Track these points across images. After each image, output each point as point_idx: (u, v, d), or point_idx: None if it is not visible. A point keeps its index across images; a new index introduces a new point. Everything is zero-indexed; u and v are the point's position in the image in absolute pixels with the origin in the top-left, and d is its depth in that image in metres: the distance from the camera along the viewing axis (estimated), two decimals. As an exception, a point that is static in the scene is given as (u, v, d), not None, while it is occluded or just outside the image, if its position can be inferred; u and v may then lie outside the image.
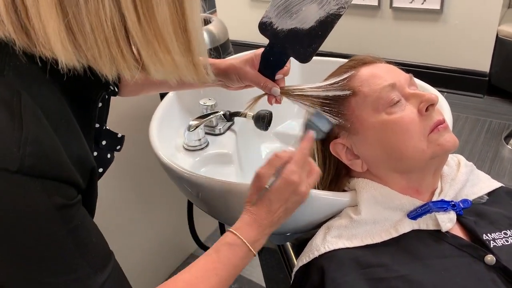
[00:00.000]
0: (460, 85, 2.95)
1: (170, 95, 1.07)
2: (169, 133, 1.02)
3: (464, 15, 2.77)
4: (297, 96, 0.74)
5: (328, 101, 0.70)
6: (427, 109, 0.66)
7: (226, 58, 0.84)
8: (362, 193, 0.70)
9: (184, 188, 0.87)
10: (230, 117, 1.06)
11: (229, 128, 1.09)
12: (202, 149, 1.01)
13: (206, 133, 1.05)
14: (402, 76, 0.71)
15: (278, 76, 0.77)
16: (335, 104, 0.70)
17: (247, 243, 0.62)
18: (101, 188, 0.59)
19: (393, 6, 2.94)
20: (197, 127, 0.98)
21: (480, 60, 2.84)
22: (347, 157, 0.72)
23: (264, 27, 0.74)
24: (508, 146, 2.42)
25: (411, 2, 2.88)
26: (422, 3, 2.85)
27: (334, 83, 0.71)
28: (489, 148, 2.44)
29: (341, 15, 0.69)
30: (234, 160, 1.03)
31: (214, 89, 1.12)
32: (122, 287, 0.54)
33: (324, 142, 0.74)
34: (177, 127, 1.06)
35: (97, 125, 0.64)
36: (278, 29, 0.73)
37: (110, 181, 1.40)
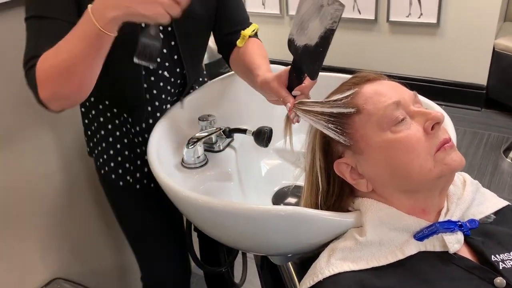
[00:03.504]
0: (458, 98, 2.95)
1: (168, 112, 1.05)
2: (167, 151, 1.00)
3: (461, 28, 2.78)
4: (304, 111, 0.74)
5: (332, 119, 0.69)
6: (432, 128, 0.65)
7: (269, 73, 0.88)
8: (367, 213, 0.68)
9: (183, 208, 0.85)
10: (229, 133, 1.05)
11: (228, 144, 1.07)
12: (201, 166, 0.99)
13: (206, 150, 1.03)
14: (406, 94, 0.69)
15: (295, 92, 0.80)
16: (340, 122, 0.68)
17: (89, 9, 0.70)
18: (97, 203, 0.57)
19: (390, 20, 2.95)
20: (195, 143, 0.96)
21: (477, 73, 2.85)
22: (351, 176, 0.70)
23: (289, 44, 0.78)
24: (508, 159, 2.41)
25: (407, 16, 2.90)
26: (419, 17, 2.86)
27: (338, 100, 0.69)
28: (488, 161, 2.43)
29: (335, 29, 0.69)
30: (234, 177, 1.01)
31: (212, 105, 1.12)
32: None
33: (328, 161, 0.73)
34: (175, 144, 1.04)
35: None
36: (297, 45, 0.76)
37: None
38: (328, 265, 0.65)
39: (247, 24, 1.07)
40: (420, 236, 0.66)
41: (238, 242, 0.88)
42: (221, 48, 1.11)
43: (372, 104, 0.67)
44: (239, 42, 1.02)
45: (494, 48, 2.72)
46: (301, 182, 0.87)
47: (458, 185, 0.74)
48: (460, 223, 0.68)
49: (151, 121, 1.02)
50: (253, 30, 1.04)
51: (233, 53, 1.06)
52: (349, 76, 0.81)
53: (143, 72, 0.95)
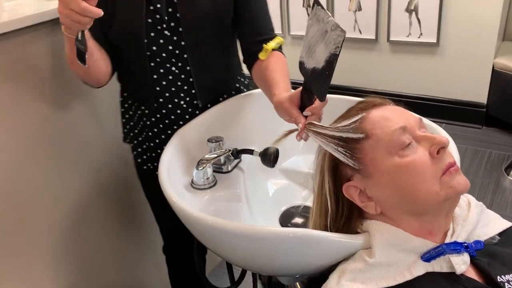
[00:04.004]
0: (459, 116, 2.99)
1: (176, 135, 1.08)
2: (177, 171, 1.02)
3: (460, 48, 2.83)
4: (315, 133, 0.76)
5: (342, 143, 0.71)
6: (438, 152, 0.67)
7: (284, 93, 0.91)
8: (376, 235, 0.69)
9: (194, 229, 0.87)
10: (237, 154, 1.07)
11: (236, 165, 1.09)
12: (210, 187, 1.01)
13: (214, 171, 1.05)
14: (412, 119, 0.72)
15: (306, 112, 0.82)
16: (349, 147, 0.71)
17: None
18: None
19: (390, 39, 3.00)
20: (205, 165, 0.98)
21: (477, 91, 2.89)
22: (360, 199, 0.72)
23: (300, 66, 0.81)
24: (509, 177, 2.43)
25: (408, 36, 2.95)
26: (419, 37, 2.91)
27: (347, 125, 0.72)
28: (490, 179, 2.45)
29: (338, 54, 0.72)
30: (242, 198, 1.03)
31: (219, 126, 1.14)
32: None
33: (337, 184, 0.75)
34: (184, 164, 1.07)
35: None
36: (307, 68, 0.79)
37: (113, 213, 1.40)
38: (338, 287, 0.67)
39: (271, 35, 1.08)
40: (428, 257, 0.68)
41: (247, 262, 0.89)
42: (245, 59, 1.14)
43: (379, 129, 0.69)
44: (261, 55, 1.03)
45: (493, 67, 2.77)
46: (308, 202, 0.89)
47: (463, 207, 0.76)
48: (466, 244, 0.70)
49: (164, 111, 1.13)
50: (277, 43, 1.05)
51: (256, 66, 1.08)
52: (355, 98, 0.84)
53: (152, 64, 1.07)
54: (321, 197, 0.77)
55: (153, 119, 1.15)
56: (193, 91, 1.13)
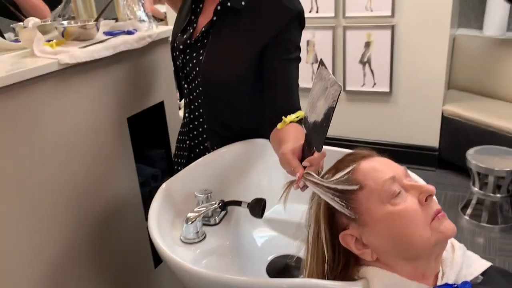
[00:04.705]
0: (413, 159, 3.14)
1: (163, 187, 1.09)
2: (166, 225, 1.03)
3: (412, 96, 3.03)
4: (312, 182, 0.80)
5: (337, 193, 0.76)
6: (426, 199, 0.73)
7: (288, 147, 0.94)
8: (374, 281, 0.73)
9: (189, 282, 0.87)
10: (224, 206, 1.09)
11: (223, 217, 1.11)
12: (200, 241, 1.02)
13: (203, 224, 1.06)
14: (399, 169, 0.78)
15: (305, 163, 0.85)
16: (344, 197, 0.75)
17: None
18: None
19: (346, 89, 3.17)
20: (195, 219, 1.00)
21: (429, 136, 3.08)
22: (357, 247, 0.76)
23: (304, 121, 0.87)
24: (466, 217, 2.56)
25: (362, 86, 3.13)
26: (373, 86, 3.09)
27: (341, 177, 0.77)
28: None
29: (335, 107, 0.78)
30: (232, 250, 1.04)
31: (205, 178, 1.16)
32: None
33: (333, 233, 0.78)
34: (171, 217, 1.07)
35: None
36: (309, 121, 0.85)
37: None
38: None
39: (293, 112, 1.08)
40: (423, 300, 0.72)
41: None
42: (264, 122, 1.16)
43: (371, 180, 0.75)
44: (279, 125, 1.05)
45: (443, 113, 2.97)
46: (291, 251, 0.92)
47: (448, 250, 0.81)
48: (456, 285, 0.75)
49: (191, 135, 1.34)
50: (297, 117, 1.06)
51: (272, 132, 1.10)
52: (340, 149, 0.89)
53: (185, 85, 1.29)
54: (318, 246, 0.80)
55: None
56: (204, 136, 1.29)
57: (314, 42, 3.12)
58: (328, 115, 0.78)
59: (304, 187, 0.84)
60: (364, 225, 0.75)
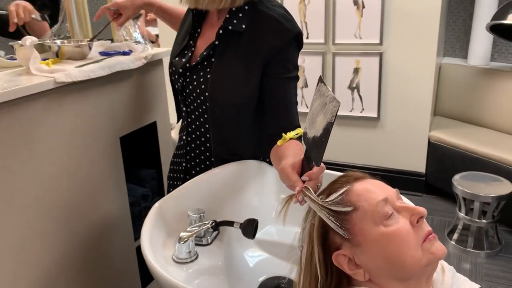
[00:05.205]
0: (400, 184, 3.17)
1: (156, 207, 1.09)
2: (158, 245, 1.03)
3: (399, 122, 3.09)
4: (310, 199, 0.81)
5: (332, 213, 0.77)
6: (418, 221, 0.75)
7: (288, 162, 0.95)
8: (367, 301, 0.74)
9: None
10: (216, 226, 1.09)
11: (215, 237, 1.12)
12: (192, 261, 1.02)
13: (195, 244, 1.07)
14: (391, 191, 0.80)
15: (304, 177, 0.87)
16: (339, 218, 0.76)
17: None
18: None
19: (336, 113, 3.21)
20: (188, 239, 1.00)
21: (416, 162, 3.12)
22: (349, 267, 0.77)
23: (304, 136, 0.89)
24: (452, 242, 2.58)
25: (351, 111, 3.18)
26: (361, 112, 3.15)
27: (335, 198, 0.78)
28: (435, 244, 2.59)
29: (333, 122, 0.80)
30: (223, 270, 1.04)
31: (197, 199, 1.17)
32: None
33: (326, 253, 0.79)
34: (163, 237, 1.07)
35: None
36: (308, 137, 0.86)
37: None
38: None
39: (292, 129, 1.11)
40: (414, 320, 0.73)
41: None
42: (265, 144, 1.18)
43: (365, 201, 0.76)
44: (279, 142, 1.08)
45: (429, 139, 3.03)
46: (281, 272, 0.92)
47: (438, 271, 0.83)
48: (446, 306, 0.76)
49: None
50: (297, 134, 1.09)
51: (272, 149, 1.13)
52: (332, 171, 0.91)
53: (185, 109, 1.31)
54: (311, 266, 0.81)
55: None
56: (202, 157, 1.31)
57: (304, 67, 3.18)
58: (327, 130, 0.80)
59: (303, 201, 0.85)
60: (357, 245, 0.76)
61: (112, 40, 1.65)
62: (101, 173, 1.42)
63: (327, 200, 0.79)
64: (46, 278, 1.26)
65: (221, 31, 1.17)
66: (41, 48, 1.46)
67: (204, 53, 1.20)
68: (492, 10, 2.91)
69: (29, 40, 1.25)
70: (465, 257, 2.49)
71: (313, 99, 0.87)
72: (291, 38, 1.16)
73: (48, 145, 1.23)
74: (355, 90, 3.11)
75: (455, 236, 2.59)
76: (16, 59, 1.35)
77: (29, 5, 1.67)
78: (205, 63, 1.21)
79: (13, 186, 1.14)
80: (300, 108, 3.23)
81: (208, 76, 1.19)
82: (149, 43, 1.62)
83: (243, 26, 1.15)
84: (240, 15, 1.16)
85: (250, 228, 1.05)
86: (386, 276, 0.76)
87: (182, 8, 1.39)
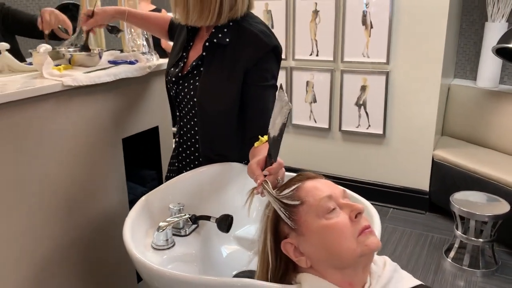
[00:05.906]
0: (405, 202, 3.23)
1: (142, 199, 1.21)
2: (140, 234, 1.14)
3: (404, 140, 3.15)
4: (267, 192, 0.92)
5: (283, 205, 0.87)
6: (356, 216, 0.84)
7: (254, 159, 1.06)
8: (305, 286, 0.84)
9: (155, 282, 0.98)
10: (195, 220, 1.21)
11: (194, 230, 1.23)
12: (169, 248, 1.14)
13: (173, 234, 1.18)
14: (337, 189, 0.90)
15: (264, 172, 0.98)
16: (288, 210, 0.87)
17: None
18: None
19: (342, 129, 3.30)
20: (165, 228, 1.11)
21: (420, 180, 3.16)
22: (295, 254, 0.87)
23: (268, 136, 1.00)
24: (448, 259, 2.62)
25: (357, 127, 3.25)
26: (367, 128, 3.22)
27: (287, 193, 0.89)
28: (432, 260, 2.63)
29: (286, 123, 0.95)
30: (197, 259, 1.15)
31: (182, 194, 1.29)
32: None
33: (277, 242, 0.90)
34: (146, 227, 1.19)
35: None
36: (270, 136, 0.98)
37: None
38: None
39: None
40: (348, 305, 0.83)
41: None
42: (246, 147, 1.30)
43: (311, 197, 0.87)
44: (256, 143, 1.20)
45: (433, 158, 3.07)
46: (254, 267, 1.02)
47: (380, 265, 0.92)
48: (379, 295, 0.85)
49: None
50: None
51: (250, 150, 1.25)
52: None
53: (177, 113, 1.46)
54: (264, 253, 0.91)
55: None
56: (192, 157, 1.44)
57: (313, 83, 3.29)
58: (282, 130, 0.93)
59: (263, 193, 0.96)
60: (301, 235, 0.86)
61: (121, 51, 1.80)
62: (102, 171, 1.56)
63: (282, 194, 0.90)
64: (45, 263, 1.39)
65: (207, 44, 1.32)
66: (57, 55, 1.63)
67: (194, 63, 1.35)
68: (501, 34, 2.96)
69: (43, 47, 1.41)
70: (461, 274, 2.52)
71: (275, 104, 0.98)
72: (269, 51, 1.30)
73: (55, 142, 1.37)
74: (362, 107, 3.19)
75: (452, 254, 2.62)
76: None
77: (60, 15, 1.82)
78: (195, 72, 1.35)
79: (20, 178, 1.28)
80: (308, 123, 3.37)
81: (197, 84, 1.33)
82: (155, 54, 1.77)
83: (227, 40, 1.30)
84: (225, 30, 1.30)
85: (224, 222, 1.15)
86: (325, 264, 0.85)
87: (161, 14, 1.58)
